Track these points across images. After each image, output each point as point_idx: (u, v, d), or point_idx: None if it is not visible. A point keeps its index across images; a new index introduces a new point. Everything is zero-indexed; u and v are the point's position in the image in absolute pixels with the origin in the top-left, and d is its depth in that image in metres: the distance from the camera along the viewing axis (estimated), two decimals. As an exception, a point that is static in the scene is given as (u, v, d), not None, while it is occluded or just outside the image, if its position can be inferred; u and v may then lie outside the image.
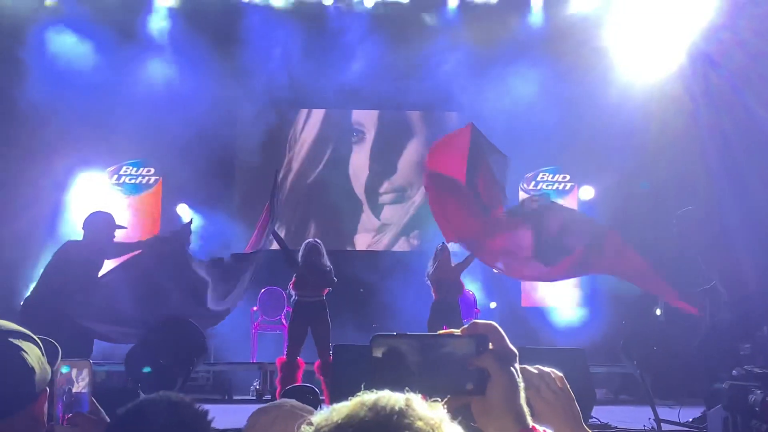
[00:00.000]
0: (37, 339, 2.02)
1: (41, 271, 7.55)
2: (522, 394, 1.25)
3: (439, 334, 1.26)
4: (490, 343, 1.26)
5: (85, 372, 2.14)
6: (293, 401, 2.42)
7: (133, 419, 2.03)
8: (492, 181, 8.65)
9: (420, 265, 10.37)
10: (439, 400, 1.12)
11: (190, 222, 8.52)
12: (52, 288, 7.17)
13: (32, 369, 1.91)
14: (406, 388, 1.11)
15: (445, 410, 1.11)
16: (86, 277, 7.39)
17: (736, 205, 10.83)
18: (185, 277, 7.80)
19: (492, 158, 8.70)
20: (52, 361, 2.03)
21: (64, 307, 7.09)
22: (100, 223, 7.65)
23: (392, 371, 1.21)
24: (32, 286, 7.67)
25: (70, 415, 2.09)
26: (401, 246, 13.41)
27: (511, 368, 1.26)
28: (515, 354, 1.28)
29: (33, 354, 1.95)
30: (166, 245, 7.98)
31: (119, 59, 11.91)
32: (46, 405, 2.00)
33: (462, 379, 1.23)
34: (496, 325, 1.28)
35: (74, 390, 2.11)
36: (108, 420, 2.15)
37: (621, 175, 12.12)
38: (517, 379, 1.26)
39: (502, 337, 1.27)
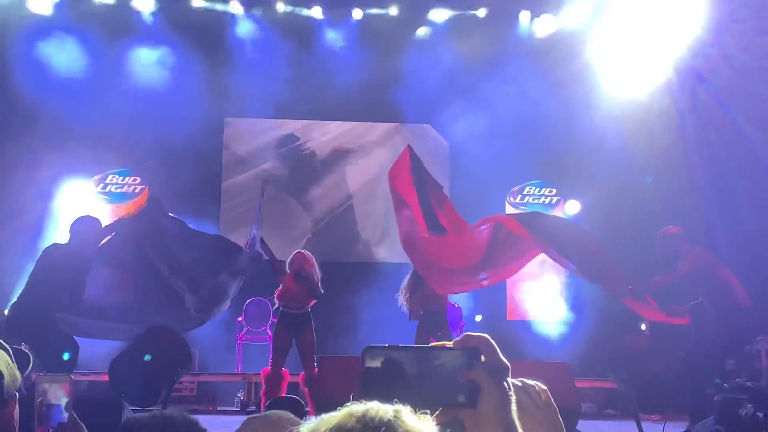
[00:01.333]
0: (6, 346, 2.00)
1: (26, 278, 7.44)
2: (513, 408, 1.24)
3: (432, 346, 1.26)
4: (483, 356, 1.25)
5: (66, 386, 2.12)
6: (281, 412, 2.40)
7: None
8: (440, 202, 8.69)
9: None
10: (429, 412, 1.11)
11: (155, 199, 8.32)
12: (39, 294, 7.08)
13: (0, 373, 1.89)
14: (396, 399, 1.11)
15: (436, 422, 1.10)
16: (73, 281, 7.29)
17: (723, 221, 10.88)
18: (167, 260, 7.67)
19: (430, 184, 8.76)
20: (22, 370, 2.01)
21: (51, 313, 7.02)
22: (87, 228, 7.53)
23: (383, 383, 1.21)
24: (18, 293, 7.56)
25: (49, 428, 2.07)
26: (393, 258, 13.38)
27: (503, 381, 1.25)
28: (507, 367, 1.27)
29: (1, 360, 1.93)
30: (138, 224, 7.85)
31: (105, 68, 11.91)
32: (17, 411, 1.98)
33: (454, 392, 1.23)
34: (489, 338, 1.27)
35: (51, 402, 2.09)
36: None
37: (607, 189, 12.16)
38: (509, 393, 1.25)
39: (495, 350, 1.27)
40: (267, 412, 2.45)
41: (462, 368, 1.23)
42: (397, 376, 1.22)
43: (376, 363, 1.22)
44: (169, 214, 8.13)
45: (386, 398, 1.11)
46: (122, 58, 12.19)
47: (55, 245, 7.61)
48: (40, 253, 7.49)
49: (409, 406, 1.09)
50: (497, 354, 1.27)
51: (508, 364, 1.27)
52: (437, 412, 1.21)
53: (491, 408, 1.22)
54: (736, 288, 7.68)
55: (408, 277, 9.39)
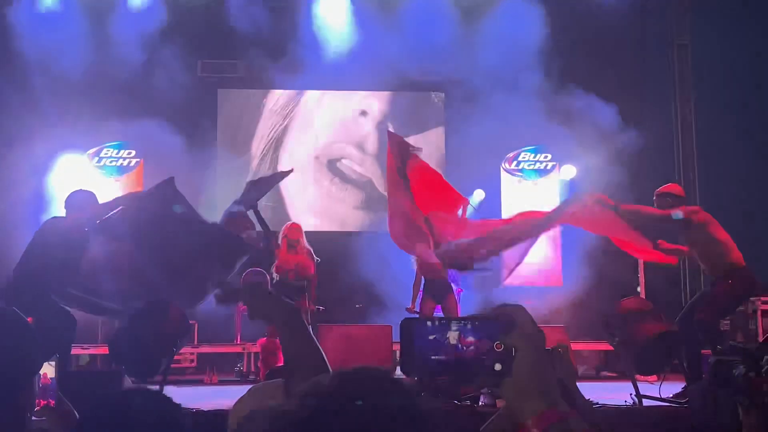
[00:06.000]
0: (31, 327, 2.01)
1: (23, 251, 7.38)
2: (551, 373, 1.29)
3: (467, 317, 1.30)
4: (518, 325, 1.29)
5: (52, 364, 2.15)
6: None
7: (109, 412, 2.03)
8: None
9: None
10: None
11: (171, 179, 7.77)
12: (34, 268, 7.04)
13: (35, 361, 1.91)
14: (436, 370, 1.20)
15: (476, 389, 1.17)
16: (69, 255, 7.21)
17: (715, 180, 10.92)
18: (172, 244, 7.47)
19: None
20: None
21: (47, 287, 6.98)
22: (82, 201, 7.46)
23: (421, 353, 1.26)
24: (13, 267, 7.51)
25: (41, 403, 2.10)
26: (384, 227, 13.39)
27: (539, 348, 1.29)
28: (543, 334, 1.32)
29: (26, 340, 1.95)
30: (145, 203, 7.69)
31: (98, 41, 11.83)
32: (35, 391, 2.00)
33: (490, 360, 1.27)
34: (523, 306, 1.32)
35: (44, 380, 2.12)
36: (74, 411, 2.16)
37: (601, 154, 12.16)
38: (545, 359, 1.29)
39: (530, 318, 1.31)
40: (273, 381, 2.50)
41: (498, 337, 1.27)
42: (430, 347, 1.26)
43: (409, 335, 1.27)
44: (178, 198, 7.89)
45: (424, 369, 1.16)
46: (116, 31, 12.08)
47: (54, 219, 7.53)
48: (40, 227, 7.43)
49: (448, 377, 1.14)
50: (532, 322, 1.31)
51: (543, 331, 1.31)
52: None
53: (526, 374, 1.26)
54: (731, 247, 7.70)
55: None
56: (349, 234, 13.15)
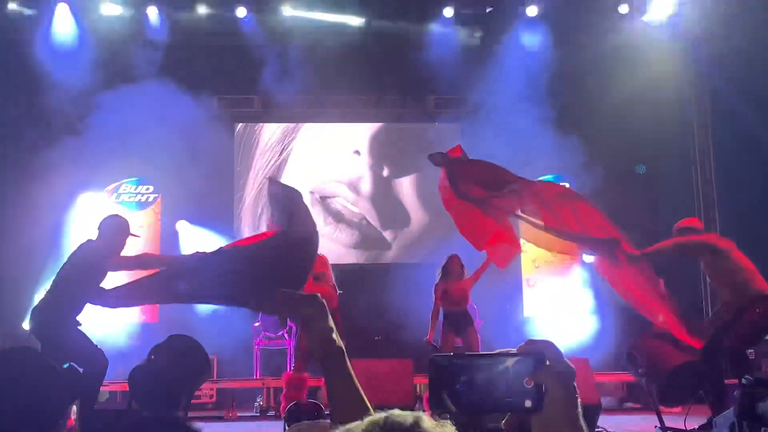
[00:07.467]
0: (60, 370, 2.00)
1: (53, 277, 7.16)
2: (579, 411, 1.27)
3: (496, 353, 1.29)
4: (547, 360, 1.28)
5: (73, 407, 2.14)
6: (327, 422, 2.43)
7: None
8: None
9: (419, 277, 10.38)
10: (498, 418, 1.18)
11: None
12: (64, 292, 6.89)
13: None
14: (464, 407, 1.20)
15: (505, 428, 1.15)
16: (93, 278, 7.08)
17: (731, 206, 10.86)
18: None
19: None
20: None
21: (69, 308, 6.83)
22: (115, 226, 7.40)
23: (451, 391, 1.24)
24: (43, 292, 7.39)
25: None
26: (403, 258, 13.36)
27: (569, 384, 1.27)
28: (573, 370, 1.30)
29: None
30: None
31: (117, 76, 11.93)
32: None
33: (520, 397, 1.25)
34: (553, 342, 1.30)
35: (71, 421, 2.12)
36: None
37: (610, 178, 12.13)
38: (576, 395, 1.28)
39: (559, 353, 1.30)
40: (315, 421, 2.50)
41: (527, 373, 1.26)
42: (459, 384, 1.24)
43: (438, 373, 1.25)
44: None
45: (453, 406, 1.18)
46: (132, 66, 12.19)
47: (88, 241, 7.44)
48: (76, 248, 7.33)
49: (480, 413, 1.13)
50: (562, 358, 1.30)
51: (574, 367, 1.29)
52: (506, 418, 1.24)
53: (557, 411, 1.25)
54: (756, 275, 7.61)
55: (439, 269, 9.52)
56: (363, 266, 13.15)
